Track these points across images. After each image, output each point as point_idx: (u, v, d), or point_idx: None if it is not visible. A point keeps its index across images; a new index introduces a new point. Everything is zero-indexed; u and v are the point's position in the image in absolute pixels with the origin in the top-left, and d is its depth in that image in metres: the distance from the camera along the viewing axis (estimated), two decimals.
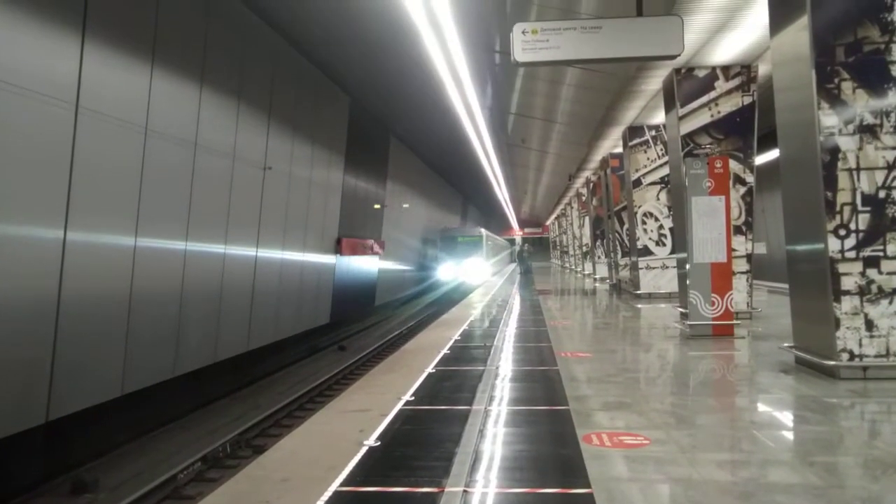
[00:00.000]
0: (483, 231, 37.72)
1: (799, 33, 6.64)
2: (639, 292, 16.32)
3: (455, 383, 6.81)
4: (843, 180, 6.40)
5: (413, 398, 6.00)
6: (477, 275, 34.09)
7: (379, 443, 4.60)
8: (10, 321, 7.32)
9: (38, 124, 7.51)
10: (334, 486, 3.76)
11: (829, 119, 6.42)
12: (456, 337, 10.04)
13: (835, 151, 6.41)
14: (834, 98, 6.42)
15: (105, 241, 8.88)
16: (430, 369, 7.35)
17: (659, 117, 14.66)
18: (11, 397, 7.47)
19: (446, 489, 3.69)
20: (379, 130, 23.63)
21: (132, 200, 9.26)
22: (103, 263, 8.86)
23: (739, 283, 11.01)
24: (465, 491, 3.67)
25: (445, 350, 8.76)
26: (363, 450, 4.41)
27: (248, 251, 13.22)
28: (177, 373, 10.74)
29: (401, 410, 5.53)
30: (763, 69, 10.91)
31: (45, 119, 7.60)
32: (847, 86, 6.42)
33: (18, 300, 7.46)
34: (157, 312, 10.15)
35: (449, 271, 34.66)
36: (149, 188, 9.48)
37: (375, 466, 4.16)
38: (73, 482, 8.08)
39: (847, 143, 6.40)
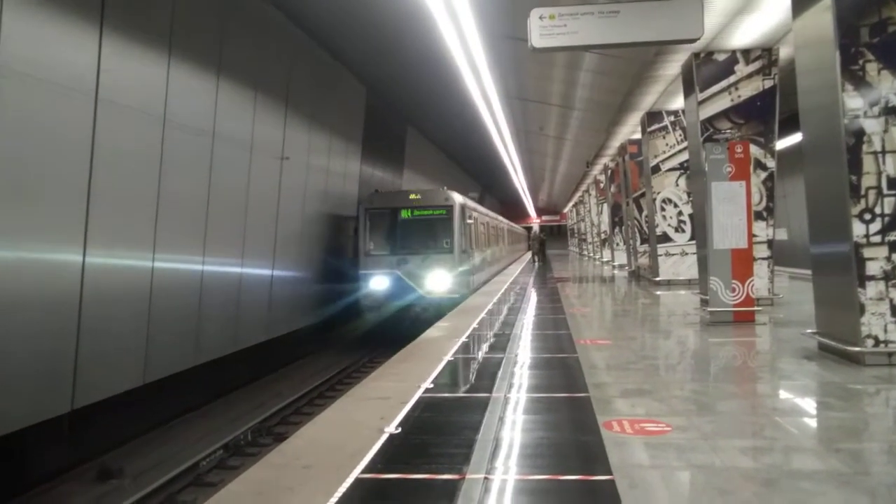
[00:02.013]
0: (456, 199, 16.96)
1: (822, 14, 6.52)
2: (658, 279, 16.21)
3: (474, 371, 6.81)
4: (867, 163, 6.29)
5: (433, 385, 6.00)
6: (446, 289, 15.98)
7: (399, 430, 4.61)
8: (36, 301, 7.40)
9: (59, 114, 7.58)
10: (356, 472, 3.78)
11: (853, 101, 6.30)
12: (474, 325, 10.03)
13: (859, 134, 6.30)
14: (858, 80, 6.30)
15: (124, 236, 8.94)
16: (448, 357, 7.35)
17: (678, 102, 14.50)
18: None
19: (467, 476, 3.70)
20: (396, 119, 23.58)
21: (151, 190, 9.34)
22: (122, 261, 8.93)
23: (760, 270, 10.90)
24: (485, 478, 3.68)
25: (464, 338, 8.76)
26: (384, 437, 4.43)
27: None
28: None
29: (421, 398, 5.54)
30: (784, 52, 10.74)
31: (67, 109, 7.66)
32: (872, 67, 6.29)
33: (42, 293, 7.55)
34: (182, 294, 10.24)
35: (381, 283, 16.05)
36: (167, 176, 9.54)
37: (396, 453, 4.17)
38: (98, 469, 8.21)
39: (872, 126, 6.29)
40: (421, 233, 16.56)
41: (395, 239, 16.28)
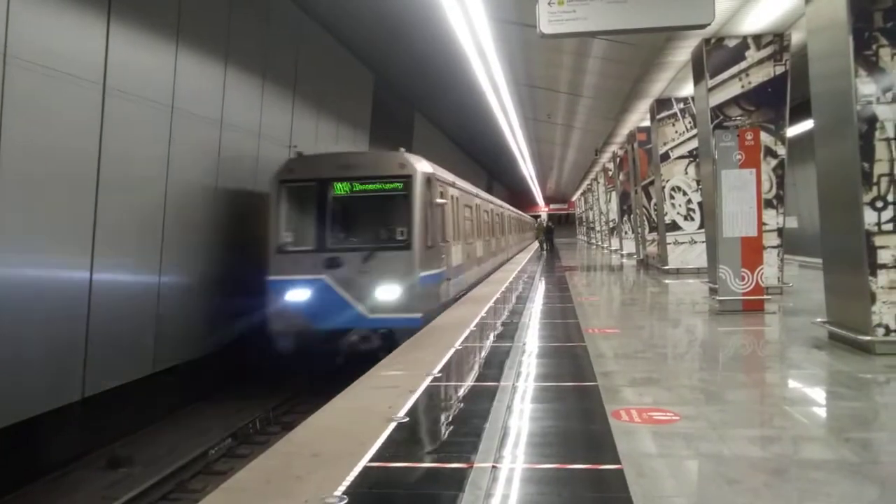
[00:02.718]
0: (419, 167, 10.76)
1: None
2: (666, 268, 16.15)
3: (482, 359, 6.81)
4: (880, 150, 6.22)
5: (441, 374, 6.01)
6: (401, 305, 10.01)
7: (408, 418, 4.61)
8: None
9: (69, 104, 7.58)
10: (364, 461, 3.78)
11: (866, 87, 6.22)
12: (482, 314, 10.03)
13: (872, 121, 6.22)
14: (872, 65, 6.22)
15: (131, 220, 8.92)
16: (457, 345, 7.36)
17: (687, 89, 14.37)
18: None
19: (475, 465, 3.70)
20: (403, 107, 23.53)
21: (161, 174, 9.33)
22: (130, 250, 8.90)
23: (770, 258, 10.82)
24: (493, 466, 3.67)
25: (472, 327, 8.76)
26: (392, 425, 4.43)
27: None
28: None
29: (429, 386, 5.54)
30: (796, 37, 10.61)
31: (76, 99, 7.67)
32: (885, 52, 6.21)
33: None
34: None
35: (299, 297, 10.13)
36: (176, 162, 9.57)
37: (404, 442, 4.17)
38: (108, 457, 8.27)
39: (885, 112, 6.21)
40: (363, 218, 10.95)
41: (322, 227, 10.46)
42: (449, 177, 13.52)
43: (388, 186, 10.56)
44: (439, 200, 11.56)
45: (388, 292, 9.98)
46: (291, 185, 10.66)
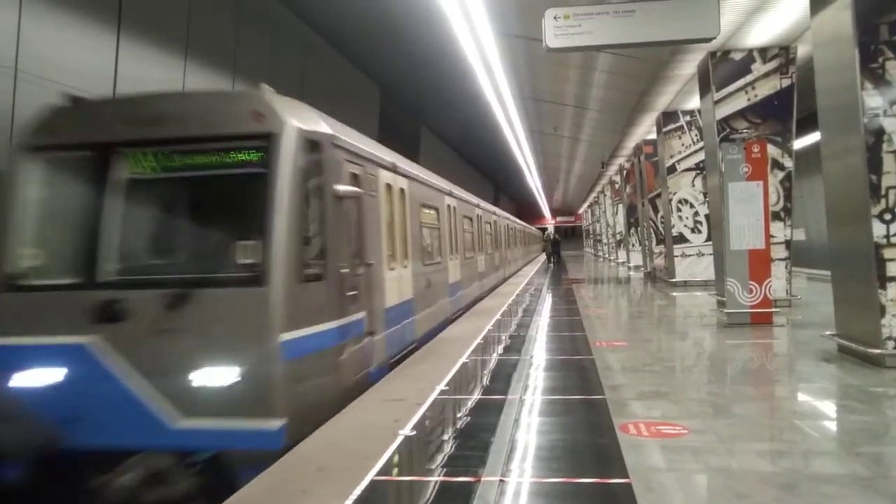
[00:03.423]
0: (289, 119, 5.09)
1: (841, 12, 6.43)
2: (674, 280, 16.10)
3: (489, 372, 6.79)
4: (888, 163, 6.20)
5: (448, 387, 6.00)
6: (248, 401, 4.41)
7: (414, 432, 4.60)
8: None
9: None
10: (370, 475, 3.77)
11: (873, 100, 6.22)
12: (489, 326, 10.01)
13: (879, 133, 6.21)
14: (878, 78, 6.22)
15: None
16: (464, 358, 7.34)
17: (693, 102, 14.40)
18: None
19: (483, 479, 3.68)
20: (410, 120, 23.64)
21: None
22: None
23: (778, 270, 10.77)
24: (501, 480, 3.66)
25: (479, 339, 8.74)
26: (399, 439, 4.42)
27: None
28: None
29: (436, 400, 5.53)
30: (802, 50, 10.63)
31: None
32: (892, 65, 6.21)
33: None
34: None
35: (33, 381, 4.68)
36: None
37: (411, 456, 4.16)
38: None
39: (892, 125, 6.20)
40: (179, 220, 5.73)
41: (93, 240, 5.13)
42: (383, 153, 7.94)
43: (231, 158, 5.30)
44: (346, 188, 6.06)
45: (216, 375, 4.63)
46: (48, 156, 5.49)
